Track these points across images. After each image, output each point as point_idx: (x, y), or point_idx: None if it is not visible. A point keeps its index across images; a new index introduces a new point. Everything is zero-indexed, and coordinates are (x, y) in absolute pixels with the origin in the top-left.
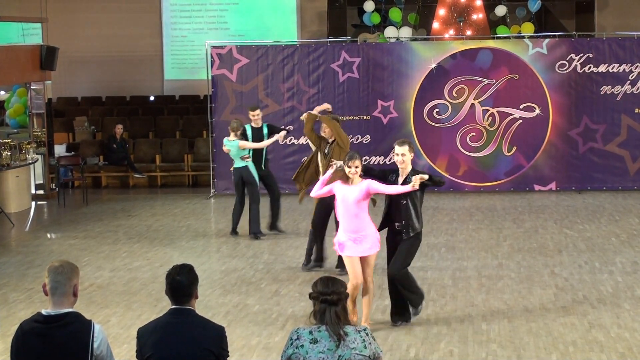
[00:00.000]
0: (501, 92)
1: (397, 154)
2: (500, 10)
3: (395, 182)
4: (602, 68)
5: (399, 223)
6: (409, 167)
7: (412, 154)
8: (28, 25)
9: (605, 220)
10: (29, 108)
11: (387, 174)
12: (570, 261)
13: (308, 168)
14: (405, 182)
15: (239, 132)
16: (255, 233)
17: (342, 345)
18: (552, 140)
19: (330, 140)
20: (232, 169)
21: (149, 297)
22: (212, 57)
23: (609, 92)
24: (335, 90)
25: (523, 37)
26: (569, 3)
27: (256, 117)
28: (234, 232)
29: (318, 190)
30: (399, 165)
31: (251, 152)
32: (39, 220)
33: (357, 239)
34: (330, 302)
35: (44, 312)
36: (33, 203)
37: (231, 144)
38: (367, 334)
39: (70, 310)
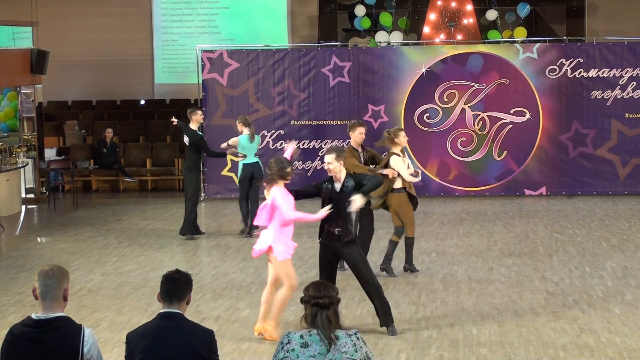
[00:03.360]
0: (492, 97)
1: (324, 163)
2: (491, 15)
3: (330, 191)
4: (592, 73)
5: (338, 228)
6: (343, 174)
7: (341, 162)
8: (18, 29)
9: (595, 225)
10: (19, 112)
11: (319, 184)
12: (561, 266)
13: None
14: (342, 189)
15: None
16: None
17: (333, 349)
18: (542, 145)
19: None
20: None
21: (139, 301)
22: (202, 61)
23: (599, 97)
24: (326, 94)
25: (514, 42)
26: (559, 8)
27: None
28: (251, 230)
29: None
30: (329, 174)
31: None
32: (29, 224)
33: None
34: (321, 305)
35: (34, 316)
36: (23, 207)
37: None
38: (357, 338)
39: (60, 314)
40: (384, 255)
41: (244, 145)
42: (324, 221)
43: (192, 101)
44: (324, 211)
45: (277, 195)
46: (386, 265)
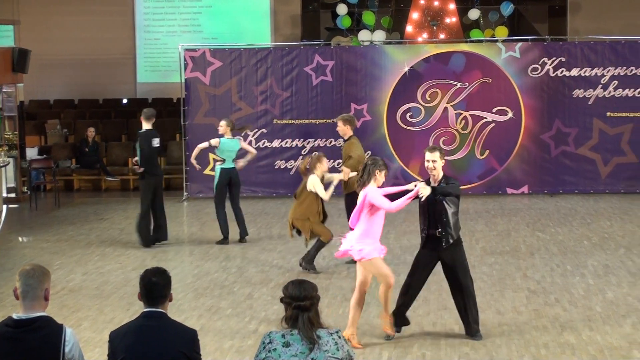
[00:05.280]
0: (474, 96)
1: (428, 161)
2: (474, 14)
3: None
4: (574, 72)
5: (439, 230)
6: (441, 174)
7: (444, 161)
8: (0, 28)
9: (577, 223)
10: (0, 111)
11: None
12: (543, 264)
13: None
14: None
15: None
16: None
17: (315, 348)
18: (524, 144)
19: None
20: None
21: (121, 300)
22: (185, 60)
23: (581, 96)
24: (309, 93)
25: (496, 40)
26: (541, 7)
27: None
28: (227, 240)
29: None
30: (429, 172)
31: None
32: (10, 223)
33: None
34: (302, 308)
35: (15, 316)
36: (4, 206)
37: (232, 142)
38: (339, 337)
39: (41, 314)
40: (306, 252)
41: (227, 149)
42: (426, 226)
43: (175, 100)
44: (420, 186)
45: (369, 194)
46: (309, 266)
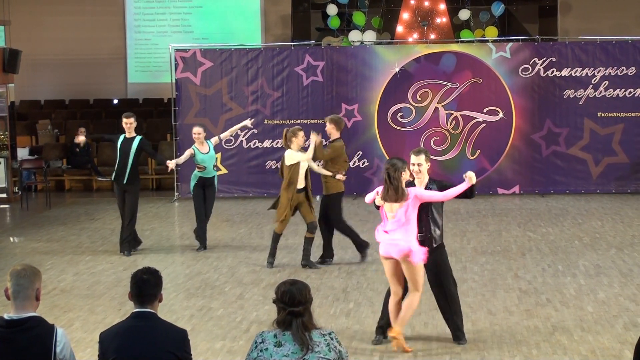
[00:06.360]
0: (465, 96)
1: (413, 164)
2: (464, 14)
3: None
4: (565, 72)
5: (422, 234)
6: (426, 177)
7: (429, 163)
8: None
9: (568, 224)
10: None
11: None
12: (534, 264)
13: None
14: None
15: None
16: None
17: (308, 350)
18: (515, 144)
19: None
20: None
21: (112, 300)
22: (176, 60)
23: (571, 96)
24: (300, 93)
25: (486, 41)
26: (532, 7)
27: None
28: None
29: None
30: (415, 176)
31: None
32: (1, 224)
33: None
34: (296, 314)
35: (6, 316)
36: None
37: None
38: (331, 338)
39: (32, 314)
40: (302, 252)
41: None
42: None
43: (166, 100)
44: (471, 175)
45: (417, 193)
46: (306, 261)
